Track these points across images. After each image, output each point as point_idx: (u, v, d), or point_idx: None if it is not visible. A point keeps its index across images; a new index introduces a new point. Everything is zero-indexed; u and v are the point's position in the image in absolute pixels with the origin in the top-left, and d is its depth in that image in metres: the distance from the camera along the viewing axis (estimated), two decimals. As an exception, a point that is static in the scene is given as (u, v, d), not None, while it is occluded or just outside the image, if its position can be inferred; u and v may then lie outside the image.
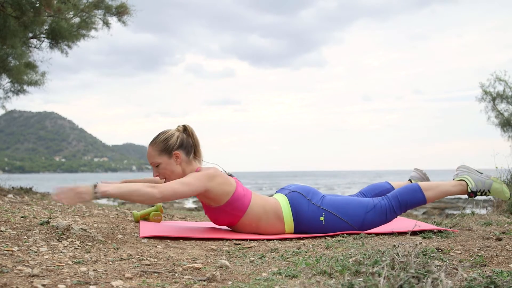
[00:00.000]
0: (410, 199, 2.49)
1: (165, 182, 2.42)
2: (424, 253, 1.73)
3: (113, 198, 2.75)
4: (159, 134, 2.43)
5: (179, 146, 2.40)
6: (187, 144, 2.43)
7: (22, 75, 7.16)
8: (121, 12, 6.57)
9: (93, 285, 1.29)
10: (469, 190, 2.53)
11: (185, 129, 2.47)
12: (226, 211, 2.35)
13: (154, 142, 2.41)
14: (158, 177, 2.45)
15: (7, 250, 1.62)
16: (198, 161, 2.50)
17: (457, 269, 1.49)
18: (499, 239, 2.14)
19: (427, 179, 2.96)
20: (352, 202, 2.47)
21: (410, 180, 2.95)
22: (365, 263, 1.50)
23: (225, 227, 2.55)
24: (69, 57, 7.13)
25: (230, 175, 2.48)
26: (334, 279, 1.35)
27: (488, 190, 2.55)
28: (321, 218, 2.40)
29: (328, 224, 2.41)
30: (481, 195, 2.56)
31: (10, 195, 3.83)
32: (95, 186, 2.08)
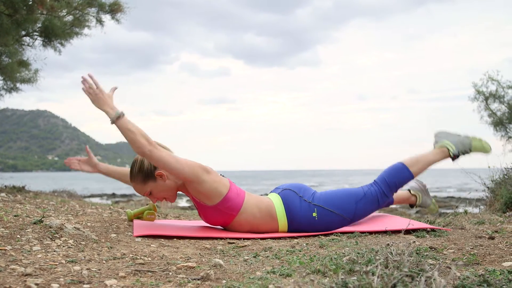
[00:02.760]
0: (398, 179, 2.55)
1: (165, 201, 2.45)
2: (418, 252, 1.73)
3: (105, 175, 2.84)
4: (131, 167, 2.41)
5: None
6: None
7: (15, 73, 7.11)
8: (114, 10, 6.54)
9: (86, 284, 1.28)
10: (451, 155, 2.60)
11: None
12: (220, 210, 2.35)
13: (132, 176, 2.39)
14: (158, 201, 2.46)
15: (-1, 249, 1.61)
16: None
17: (450, 268, 1.50)
18: (492, 238, 2.16)
19: (426, 192, 2.98)
20: (342, 194, 2.51)
21: (409, 191, 2.97)
22: (359, 261, 1.50)
23: (219, 227, 2.55)
24: (63, 55, 7.09)
25: (222, 176, 2.48)
26: (328, 278, 1.35)
27: (469, 149, 2.62)
28: (314, 214, 2.42)
29: (321, 219, 2.42)
30: (464, 154, 2.63)
31: (3, 194, 3.81)
32: (120, 115, 2.19)
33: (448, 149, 2.59)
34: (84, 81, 2.26)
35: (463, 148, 2.60)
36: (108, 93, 2.28)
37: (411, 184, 2.99)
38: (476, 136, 2.65)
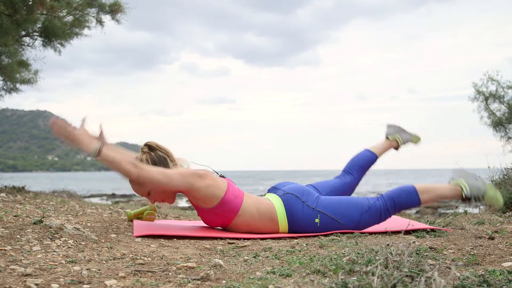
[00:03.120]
0: (405, 201, 2.49)
1: (164, 202, 2.44)
2: (418, 252, 1.73)
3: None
4: None
5: (154, 165, 2.36)
6: (160, 158, 2.40)
7: (15, 74, 7.11)
8: (114, 10, 6.54)
9: (86, 284, 1.28)
10: (464, 196, 2.52)
11: (150, 147, 2.44)
12: (217, 213, 2.34)
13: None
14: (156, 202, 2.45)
15: (-1, 249, 1.61)
16: (183, 164, 2.50)
17: (450, 268, 1.50)
18: (492, 238, 2.16)
19: (402, 130, 3.01)
20: (347, 203, 2.46)
21: (387, 138, 3.01)
22: (359, 262, 1.50)
23: (219, 227, 2.55)
24: (64, 55, 7.09)
25: (222, 176, 2.47)
26: (328, 278, 1.35)
27: (482, 196, 2.54)
28: (316, 220, 2.39)
29: (322, 226, 2.40)
30: (475, 201, 2.55)
31: (3, 194, 3.81)
32: (98, 152, 2.12)
33: (462, 189, 2.54)
34: (54, 123, 2.15)
35: (477, 193, 2.53)
36: (80, 129, 2.19)
37: (387, 130, 3.02)
38: (492, 185, 2.60)
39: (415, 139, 3.08)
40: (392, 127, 3.04)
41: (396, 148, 3.04)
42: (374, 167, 2.90)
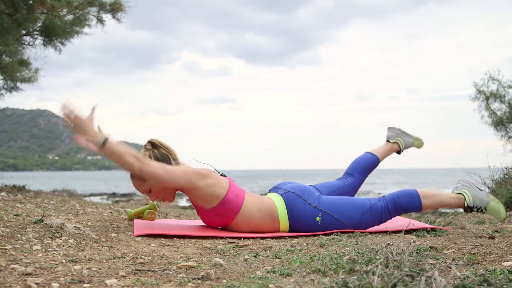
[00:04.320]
0: (406, 204, 2.49)
1: (164, 201, 2.43)
2: (418, 251, 1.73)
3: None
4: None
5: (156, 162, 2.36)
6: (162, 156, 2.39)
7: (15, 73, 7.12)
8: (115, 9, 6.54)
9: (87, 283, 1.29)
10: (466, 205, 2.52)
11: (153, 144, 2.43)
12: (218, 213, 2.34)
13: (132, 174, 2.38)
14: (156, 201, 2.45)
15: (0, 249, 1.61)
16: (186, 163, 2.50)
17: (450, 268, 1.50)
18: (492, 238, 2.16)
19: (404, 133, 2.98)
20: (349, 203, 2.46)
21: (388, 141, 2.96)
22: (359, 261, 1.50)
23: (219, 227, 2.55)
24: (64, 54, 7.11)
25: (223, 175, 2.47)
26: (328, 278, 1.35)
27: (485, 208, 2.53)
28: (317, 219, 2.39)
29: (324, 225, 2.40)
30: (477, 211, 2.55)
31: (3, 193, 3.81)
32: (104, 142, 2.10)
33: (465, 198, 2.54)
34: (64, 107, 2.14)
35: (479, 204, 2.53)
36: (88, 117, 2.17)
37: (387, 134, 2.99)
38: (495, 198, 2.60)
39: (418, 143, 3.03)
40: (393, 130, 2.99)
41: (398, 151, 3.00)
42: (376, 167, 2.89)
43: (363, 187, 3.20)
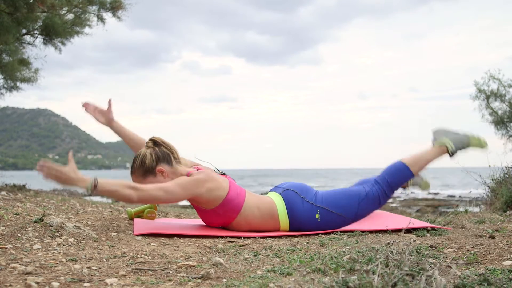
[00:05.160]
0: (399, 179, 2.59)
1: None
2: (418, 250, 1.73)
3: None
4: (133, 160, 2.39)
5: (157, 160, 2.35)
6: (163, 154, 2.39)
7: (16, 72, 7.12)
8: (115, 7, 6.54)
9: (87, 282, 1.29)
10: (451, 153, 2.66)
11: (155, 142, 2.43)
12: (218, 214, 2.34)
13: (133, 170, 2.38)
14: None
15: (0, 248, 1.61)
16: (185, 163, 2.50)
17: (450, 267, 1.50)
18: (492, 237, 2.16)
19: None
20: (344, 194, 2.51)
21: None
22: (359, 260, 1.50)
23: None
24: (65, 53, 7.11)
25: (224, 174, 2.46)
26: (328, 277, 1.35)
27: (467, 145, 2.68)
28: (317, 216, 2.41)
29: (323, 221, 2.41)
30: (461, 150, 2.70)
31: (3, 192, 3.81)
32: (95, 186, 2.03)
33: (447, 147, 2.64)
34: (41, 166, 2.00)
35: (461, 145, 2.68)
36: (69, 166, 2.04)
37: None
38: (474, 134, 2.71)
39: (424, 185, 3.04)
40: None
41: (404, 186, 3.00)
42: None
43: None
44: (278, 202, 2.43)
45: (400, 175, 2.58)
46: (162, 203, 2.29)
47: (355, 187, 2.57)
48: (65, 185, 2.09)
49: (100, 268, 1.46)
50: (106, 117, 2.71)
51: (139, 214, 2.76)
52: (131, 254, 1.72)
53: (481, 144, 2.70)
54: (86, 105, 2.77)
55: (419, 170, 2.62)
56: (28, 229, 1.94)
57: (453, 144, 2.64)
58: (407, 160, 2.61)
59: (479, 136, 2.71)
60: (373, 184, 2.57)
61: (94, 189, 2.04)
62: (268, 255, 1.80)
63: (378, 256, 1.48)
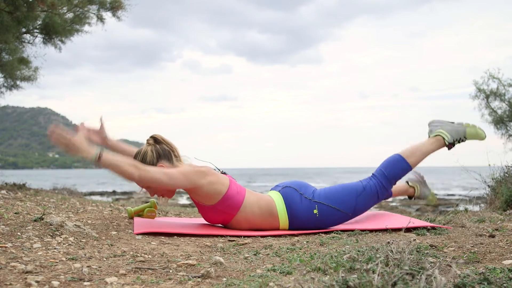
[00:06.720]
0: (397, 172, 2.57)
1: (163, 197, 2.43)
2: (418, 250, 1.73)
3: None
4: (134, 157, 2.39)
5: (158, 157, 2.36)
6: (164, 152, 2.39)
7: (15, 71, 7.11)
8: (115, 7, 6.53)
9: (87, 281, 1.29)
10: (447, 143, 2.63)
11: (155, 139, 2.43)
12: (219, 210, 2.35)
13: None
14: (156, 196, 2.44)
15: (0, 247, 1.61)
16: (187, 159, 2.50)
17: (450, 266, 1.50)
18: (492, 236, 2.16)
19: (425, 183, 2.97)
20: (342, 189, 2.51)
21: (407, 182, 2.95)
22: (359, 259, 1.50)
23: (219, 224, 2.55)
24: (65, 52, 7.10)
25: (224, 173, 2.47)
26: (328, 276, 1.35)
27: (464, 137, 2.65)
28: (315, 211, 2.42)
29: (321, 216, 2.42)
30: (459, 142, 2.66)
31: (3, 191, 3.81)
32: (99, 157, 2.10)
33: (443, 138, 2.62)
34: (52, 132, 2.14)
35: (457, 136, 2.64)
36: (78, 136, 2.19)
37: (409, 175, 2.99)
38: (469, 122, 2.68)
39: (431, 199, 3.02)
40: (417, 174, 2.98)
41: (410, 197, 2.97)
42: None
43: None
44: (277, 199, 2.44)
45: (397, 166, 2.57)
46: (161, 187, 2.29)
47: (353, 182, 2.58)
48: (71, 154, 2.16)
49: (100, 267, 1.46)
50: (100, 137, 2.70)
51: (139, 213, 2.76)
52: (131, 253, 1.72)
53: (478, 134, 2.66)
54: (77, 129, 2.79)
55: (416, 163, 2.59)
56: (28, 228, 1.94)
57: (449, 134, 2.62)
58: (403, 152, 2.61)
59: (476, 126, 2.68)
60: (371, 178, 2.58)
61: (98, 160, 2.11)
62: (268, 254, 1.80)
63: (378, 255, 1.48)
